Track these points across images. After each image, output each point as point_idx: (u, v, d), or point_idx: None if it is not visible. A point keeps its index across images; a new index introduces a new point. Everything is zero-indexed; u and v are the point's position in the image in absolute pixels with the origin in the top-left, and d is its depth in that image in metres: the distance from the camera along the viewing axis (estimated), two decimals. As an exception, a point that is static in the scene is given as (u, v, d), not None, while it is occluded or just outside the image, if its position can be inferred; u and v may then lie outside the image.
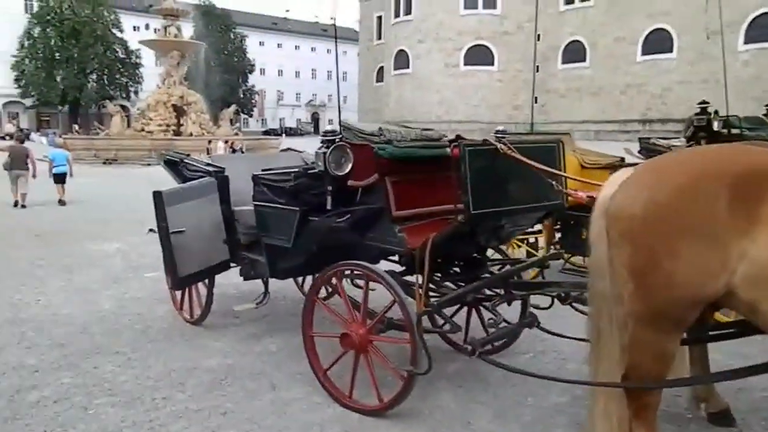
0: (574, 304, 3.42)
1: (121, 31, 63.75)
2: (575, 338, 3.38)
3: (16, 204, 13.15)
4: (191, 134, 31.52)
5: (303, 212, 3.87)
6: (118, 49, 62.92)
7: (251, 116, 78.03)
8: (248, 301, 5.50)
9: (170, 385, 3.89)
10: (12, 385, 3.87)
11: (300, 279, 5.67)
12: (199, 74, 42.23)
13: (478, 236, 3.45)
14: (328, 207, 3.48)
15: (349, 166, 3.42)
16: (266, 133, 64.82)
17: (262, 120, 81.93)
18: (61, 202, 13.62)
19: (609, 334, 2.64)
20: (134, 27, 66.97)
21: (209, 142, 28.61)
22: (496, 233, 3.51)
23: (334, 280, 3.61)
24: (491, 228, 3.39)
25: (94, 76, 62.21)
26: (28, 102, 62.86)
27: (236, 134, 35.10)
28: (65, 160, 14.27)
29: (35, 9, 61.44)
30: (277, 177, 4.03)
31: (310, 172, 3.73)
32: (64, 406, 3.59)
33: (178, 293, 5.20)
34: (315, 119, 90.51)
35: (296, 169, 3.88)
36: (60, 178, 13.93)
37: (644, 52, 54.78)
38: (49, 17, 58.64)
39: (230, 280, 5.29)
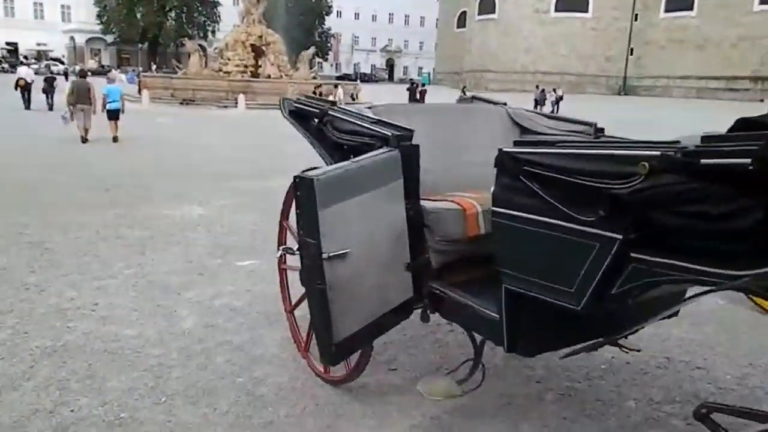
0: None
1: (200, -33, 62.53)
2: None
3: (83, 140, 12.88)
4: (269, 76, 29.77)
5: (624, 244, 1.71)
6: (196, -14, 61.94)
7: (326, 60, 75.81)
8: (437, 370, 3.50)
9: None
10: None
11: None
12: (277, 15, 40.22)
13: None
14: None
15: None
16: (340, 78, 62.60)
17: (336, 64, 79.52)
18: (115, 139, 13.28)
19: None
20: (213, -37, 65.35)
21: (318, 86, 27.09)
22: None
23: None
24: None
25: (173, 14, 61.66)
26: (110, 39, 63.12)
27: (314, 78, 33.11)
28: (119, 96, 13.72)
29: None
30: (577, 163, 1.83)
31: (691, 161, 1.49)
32: None
33: (300, 320, 3.23)
34: (390, 65, 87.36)
35: (642, 147, 1.63)
36: (113, 114, 13.58)
37: (763, 1, 49.07)
38: (130, -49, 57.99)
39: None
